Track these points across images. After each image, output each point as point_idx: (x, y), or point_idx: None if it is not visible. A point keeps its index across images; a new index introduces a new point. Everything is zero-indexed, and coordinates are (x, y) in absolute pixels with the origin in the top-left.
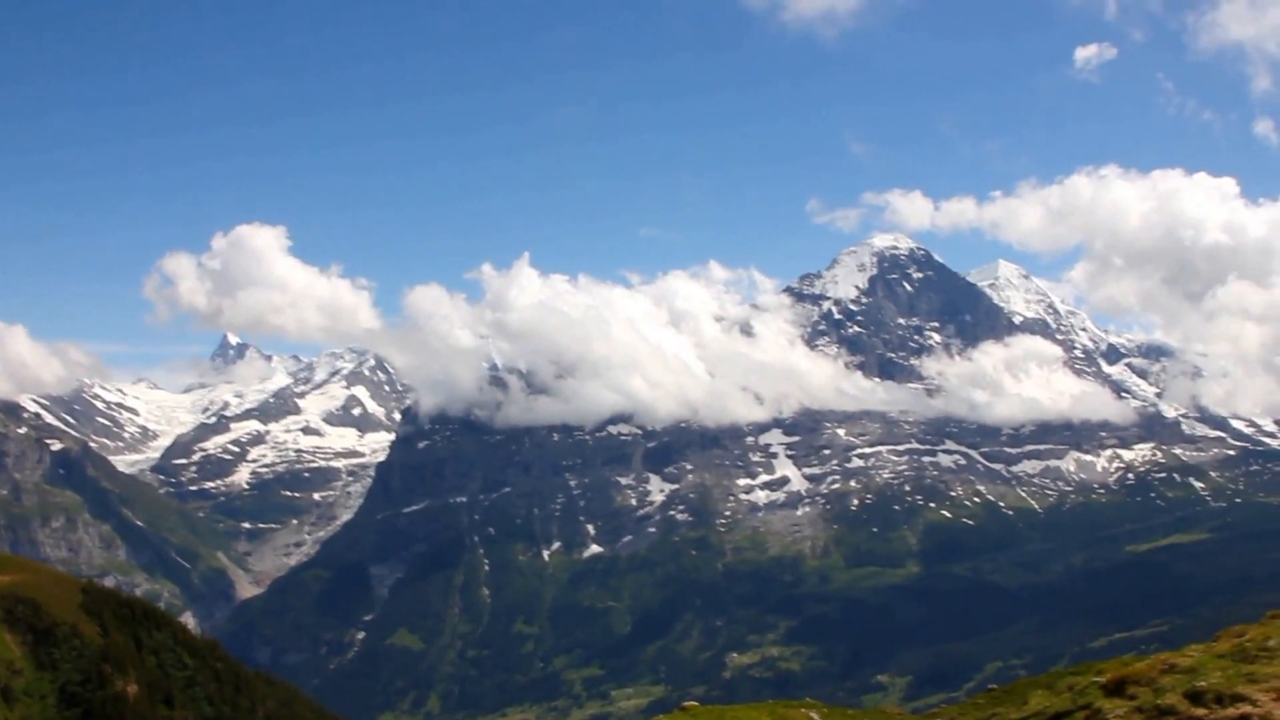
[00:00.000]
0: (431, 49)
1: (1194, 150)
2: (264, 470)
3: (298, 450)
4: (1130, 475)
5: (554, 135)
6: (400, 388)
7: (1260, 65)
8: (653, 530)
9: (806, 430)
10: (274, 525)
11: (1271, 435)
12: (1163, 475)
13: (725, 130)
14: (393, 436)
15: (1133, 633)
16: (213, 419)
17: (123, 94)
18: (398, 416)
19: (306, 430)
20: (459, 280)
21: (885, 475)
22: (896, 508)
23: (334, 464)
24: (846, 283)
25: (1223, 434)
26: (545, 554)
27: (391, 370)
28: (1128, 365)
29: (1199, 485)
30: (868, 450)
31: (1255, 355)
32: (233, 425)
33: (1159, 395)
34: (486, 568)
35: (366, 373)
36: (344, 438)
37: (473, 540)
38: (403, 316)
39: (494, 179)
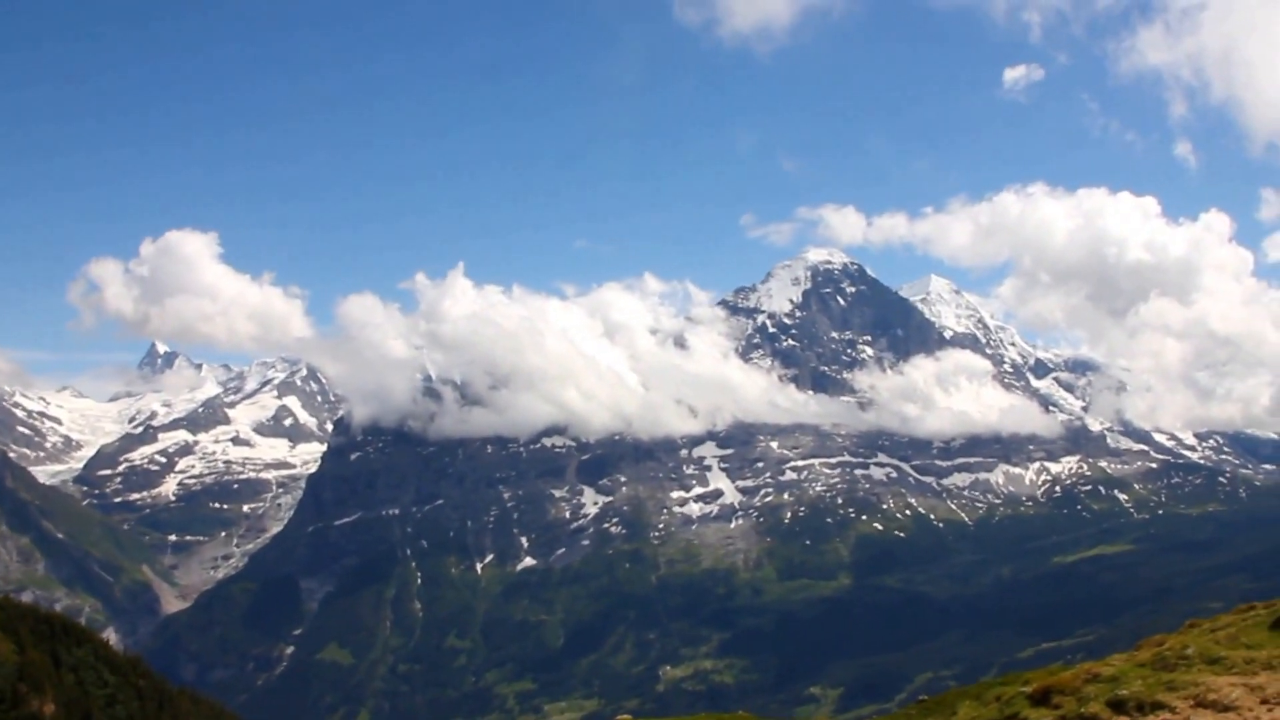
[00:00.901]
0: (365, 58)
1: (1118, 170)
2: (192, 481)
3: (227, 461)
4: (1057, 488)
5: (487, 146)
6: (333, 398)
7: (1176, 91)
8: (587, 543)
9: (740, 443)
10: (201, 538)
11: (1192, 449)
12: (1088, 488)
13: (660, 143)
14: (324, 447)
15: (1059, 642)
16: (139, 429)
17: (51, 99)
18: (330, 427)
19: (236, 441)
20: (393, 290)
21: (818, 488)
22: (829, 520)
23: (264, 475)
24: (781, 296)
25: (1146, 447)
26: (478, 567)
27: (324, 380)
28: (1055, 379)
29: (1123, 497)
30: (801, 463)
31: (1176, 370)
32: (160, 435)
33: (1085, 409)
34: (418, 581)
35: (298, 383)
36: (275, 448)
37: (405, 553)
38: (336, 326)
39: (428, 189)
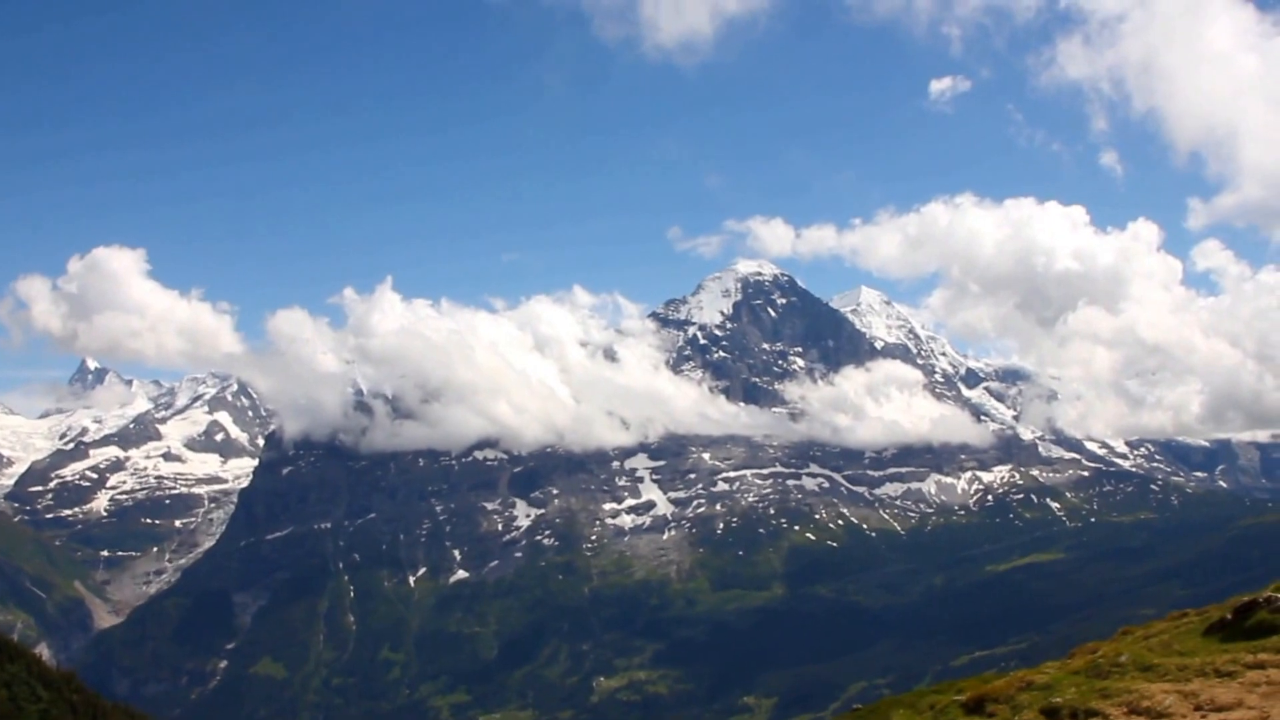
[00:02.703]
0: (291, 74)
1: (1045, 180)
2: (123, 497)
3: (159, 477)
4: (989, 496)
5: (413, 160)
6: (264, 413)
7: (1098, 104)
8: (519, 555)
9: (672, 455)
10: (134, 553)
11: (1123, 456)
12: (1020, 496)
13: (585, 157)
14: (256, 462)
15: (993, 650)
16: (70, 445)
17: None
18: (261, 442)
19: (168, 456)
20: (322, 305)
21: (750, 498)
22: (761, 531)
23: (196, 490)
24: (711, 308)
25: (1077, 455)
26: (411, 580)
27: (255, 395)
28: (986, 389)
29: (1055, 506)
30: (733, 474)
31: (1106, 379)
32: (91, 451)
33: (1016, 418)
34: (351, 594)
35: (229, 398)
36: (206, 463)
37: (337, 566)
38: (266, 341)
39: (355, 204)
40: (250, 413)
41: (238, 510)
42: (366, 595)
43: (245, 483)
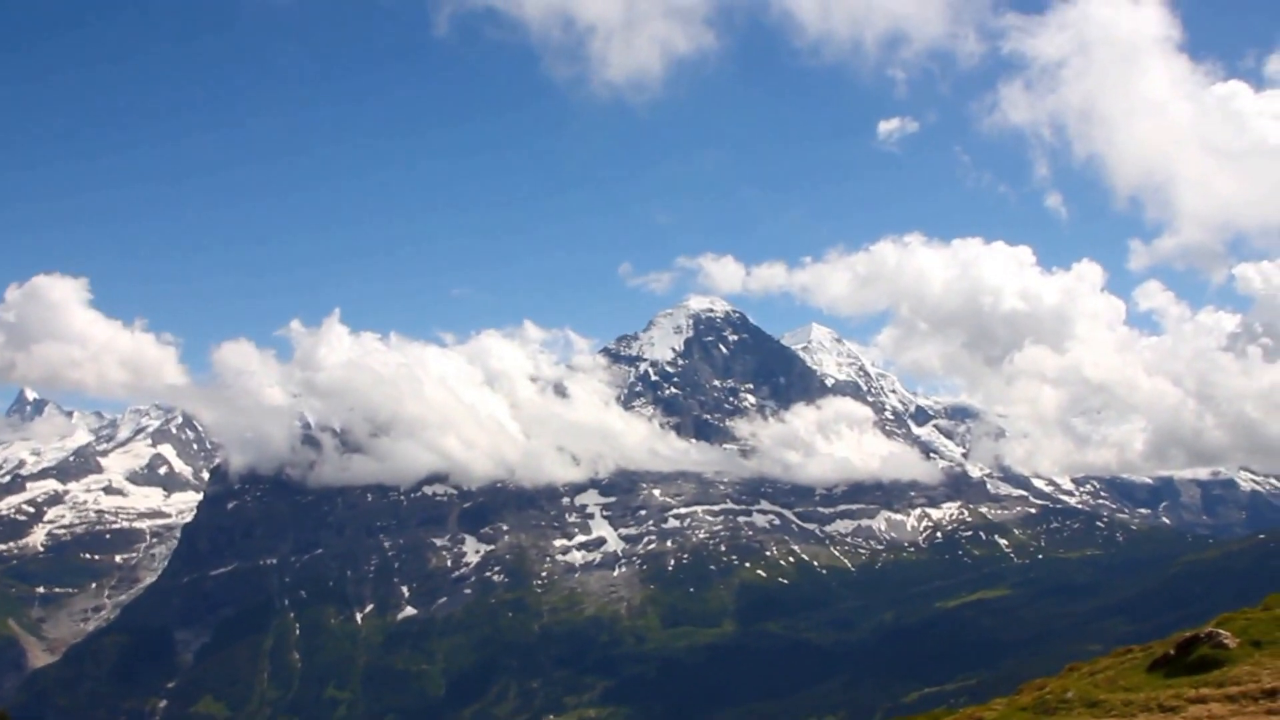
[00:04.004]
0: (238, 107)
1: (992, 220)
2: (61, 531)
3: (99, 510)
4: (938, 533)
5: (361, 194)
6: (209, 446)
7: (1039, 149)
8: (468, 591)
9: (622, 491)
10: (71, 589)
11: (1069, 493)
12: (969, 533)
13: (535, 193)
14: (200, 496)
15: (942, 687)
16: (7, 478)
17: None
18: (206, 476)
19: (109, 490)
20: (268, 337)
21: (701, 535)
22: (712, 567)
23: (137, 525)
24: (663, 345)
25: (1025, 493)
26: (358, 616)
27: (200, 428)
28: (935, 426)
29: (1003, 542)
30: (683, 510)
31: (1052, 417)
32: (29, 484)
33: (965, 455)
34: (297, 631)
35: (174, 430)
36: (149, 497)
37: (283, 603)
38: (211, 373)
39: (303, 236)
40: (195, 446)
41: (181, 545)
42: (312, 632)
43: (189, 517)
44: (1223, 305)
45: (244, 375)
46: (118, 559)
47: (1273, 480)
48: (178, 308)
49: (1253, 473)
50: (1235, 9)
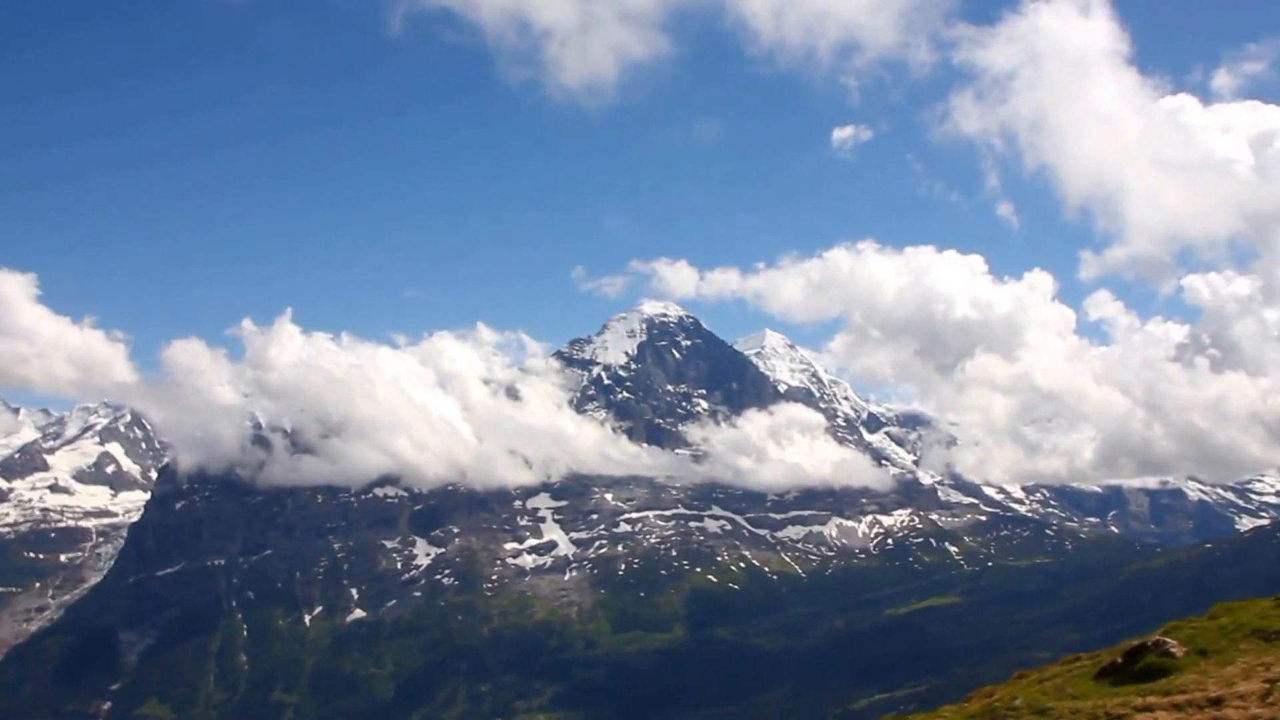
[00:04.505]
0: (190, 101)
1: (944, 229)
2: (5, 530)
3: (44, 509)
4: (889, 540)
5: (314, 194)
6: (158, 445)
7: (990, 159)
8: (418, 594)
9: (574, 495)
10: (14, 589)
11: (1019, 501)
12: (919, 540)
13: (490, 195)
14: (148, 496)
15: (892, 694)
16: None
17: None
18: (154, 475)
19: (55, 488)
20: (219, 336)
21: (652, 540)
22: (663, 572)
23: (84, 524)
24: (616, 348)
25: (975, 500)
26: (306, 619)
27: (149, 427)
28: (887, 433)
29: (953, 550)
30: (635, 515)
31: (1003, 425)
32: None
33: (916, 463)
34: (244, 633)
35: (122, 429)
36: (95, 496)
37: (230, 604)
38: (161, 372)
39: (255, 235)
40: (143, 445)
41: (127, 545)
42: (260, 634)
43: (136, 516)
44: (1171, 316)
45: (194, 374)
46: (63, 558)
47: (1219, 490)
48: (128, 305)
49: (1200, 482)
50: (1184, 24)
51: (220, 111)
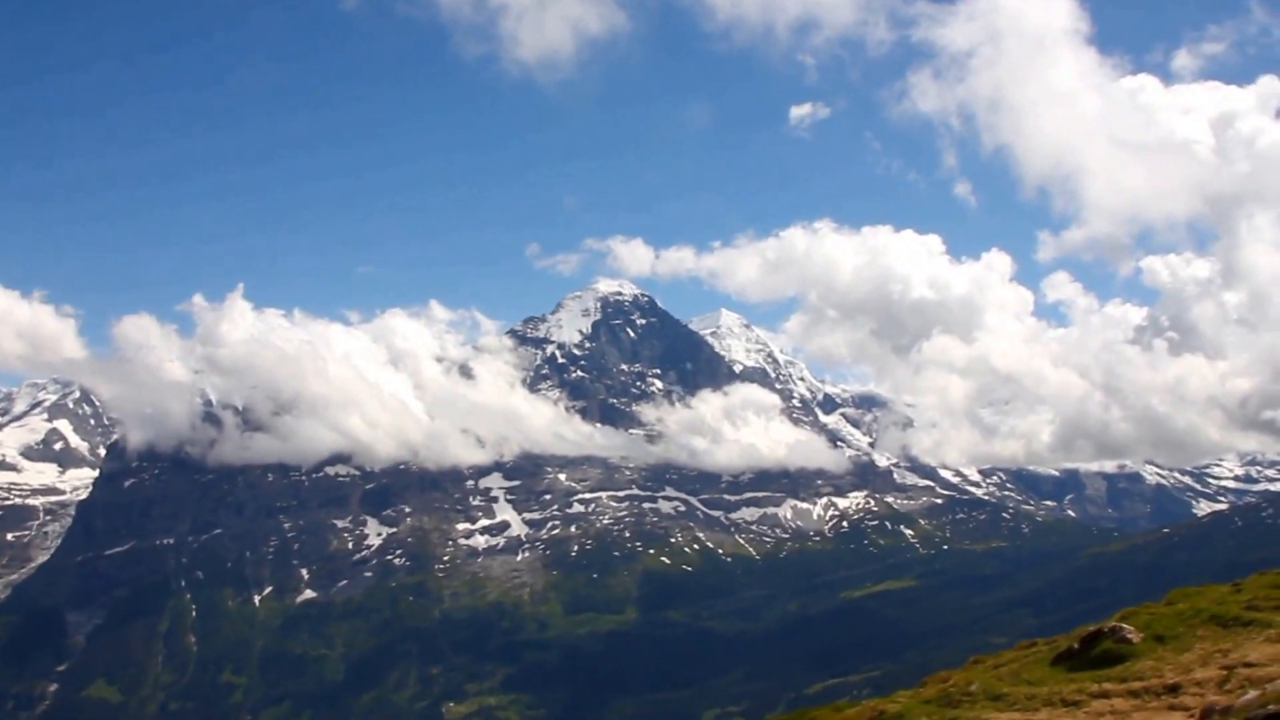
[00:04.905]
0: (143, 71)
1: (901, 208)
2: None
3: None
4: (844, 523)
5: (266, 169)
6: (107, 422)
7: (948, 138)
8: (369, 575)
9: (527, 474)
10: None
11: (976, 484)
12: (875, 523)
13: (443, 171)
14: (96, 473)
15: (846, 678)
16: None
17: None
18: (103, 452)
19: (2, 465)
20: (170, 311)
21: (605, 521)
22: (616, 554)
23: (30, 501)
24: (570, 327)
25: (931, 483)
26: (256, 599)
27: (98, 403)
28: (843, 415)
29: (909, 533)
30: (588, 496)
31: (960, 407)
32: None
33: (872, 445)
34: (193, 614)
35: (71, 405)
36: (43, 474)
37: (179, 584)
38: (111, 348)
39: (206, 210)
40: (92, 421)
41: (75, 523)
42: (209, 615)
43: (84, 494)
44: (1130, 298)
45: (145, 350)
46: (9, 536)
47: (1177, 474)
48: (78, 280)
49: (1158, 466)
50: (1144, 3)
51: (172, 86)
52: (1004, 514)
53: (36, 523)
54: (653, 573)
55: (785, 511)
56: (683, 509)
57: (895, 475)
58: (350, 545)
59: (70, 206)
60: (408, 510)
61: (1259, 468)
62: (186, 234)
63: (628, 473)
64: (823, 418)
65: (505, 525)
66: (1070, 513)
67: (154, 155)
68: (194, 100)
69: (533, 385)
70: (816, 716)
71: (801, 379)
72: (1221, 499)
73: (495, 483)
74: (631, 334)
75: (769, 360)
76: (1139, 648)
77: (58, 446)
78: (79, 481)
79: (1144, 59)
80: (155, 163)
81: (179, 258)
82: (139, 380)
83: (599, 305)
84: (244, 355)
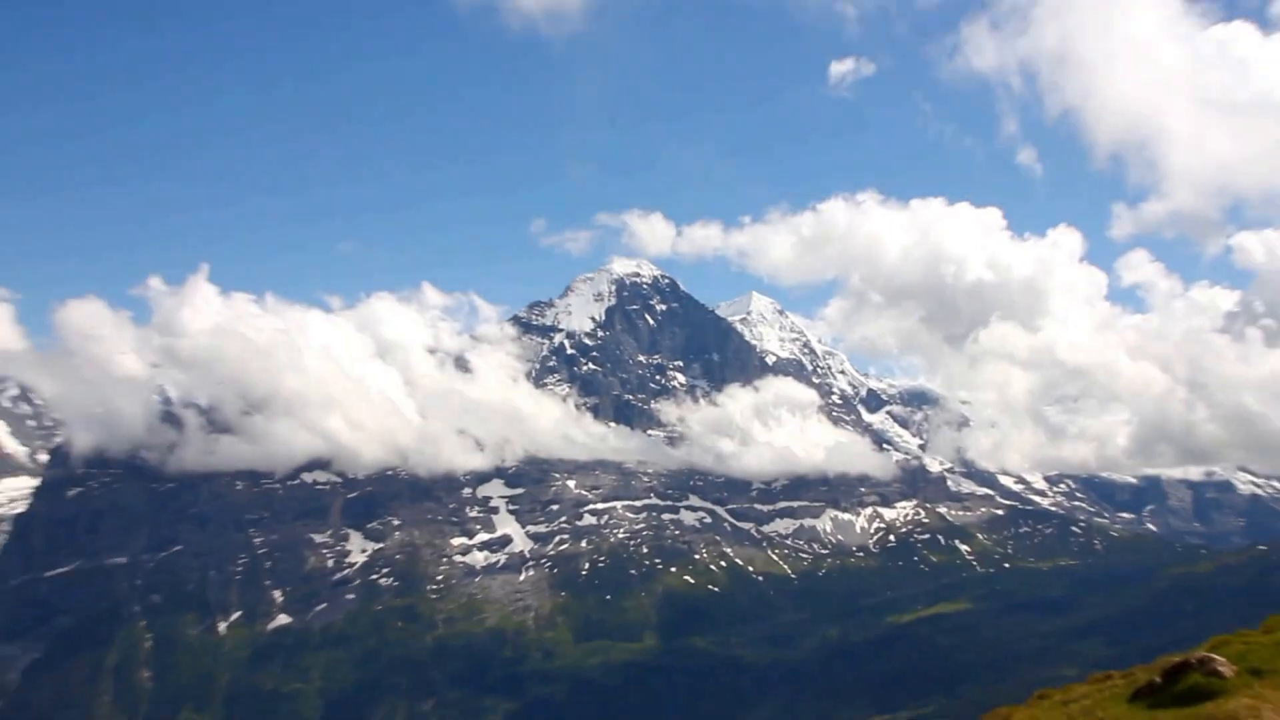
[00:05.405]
0: (91, 24)
1: (956, 179)
2: None
3: None
4: (891, 537)
5: (235, 134)
6: (49, 423)
7: (1007, 101)
8: (351, 597)
9: (532, 482)
10: None
11: (1042, 494)
12: (926, 537)
13: (438, 137)
14: (37, 482)
15: (894, 715)
16: None
17: None
18: (44, 458)
19: None
20: (123, 296)
21: (620, 534)
22: (633, 572)
23: None
24: (581, 313)
25: (990, 491)
26: (221, 626)
27: (39, 402)
28: (889, 413)
29: (964, 548)
30: (601, 506)
31: (1023, 405)
32: None
33: (922, 447)
34: (148, 644)
35: (7, 404)
36: None
37: (132, 610)
38: (53, 337)
39: (164, 179)
40: (32, 422)
41: (11, 541)
42: (166, 645)
43: (22, 507)
44: (1218, 280)
45: (93, 340)
46: None
47: (1275, 482)
48: (15, 259)
49: (1252, 474)
50: None
51: (126, 38)
52: (1073, 528)
53: None
54: (674, 594)
55: (824, 524)
56: (708, 521)
57: (949, 483)
58: (330, 563)
59: (7, 179)
60: (396, 523)
61: None
62: (141, 206)
63: (646, 479)
64: (866, 417)
65: (507, 540)
66: (1150, 526)
67: (102, 119)
68: (146, 51)
69: (538, 380)
70: None
71: (842, 372)
72: None
73: (495, 491)
74: (650, 321)
75: (806, 351)
76: (1232, 683)
77: None
78: (15, 492)
79: (1237, 3)
80: (101, 126)
81: (132, 234)
82: (86, 375)
83: (613, 289)
84: (208, 346)
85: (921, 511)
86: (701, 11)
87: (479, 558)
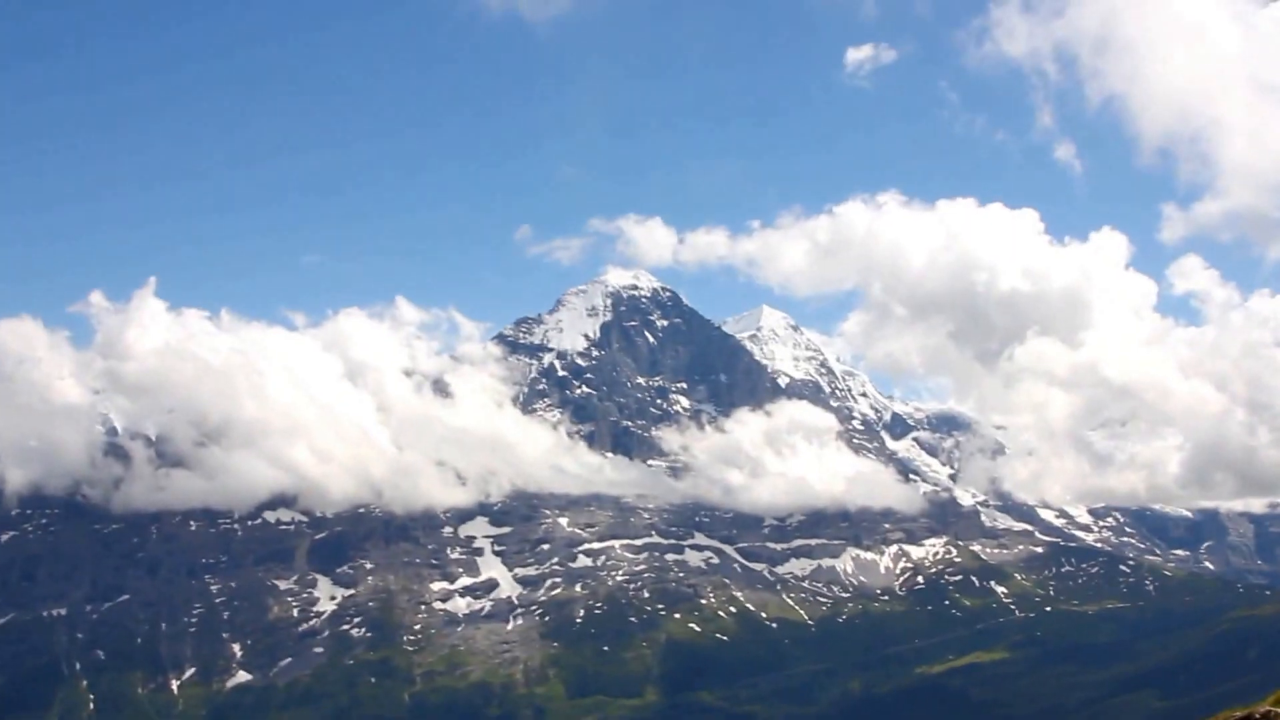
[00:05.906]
0: (40, 21)
1: (987, 177)
2: None
3: None
4: (919, 578)
5: (186, 129)
6: None
7: (1042, 90)
8: (320, 650)
9: (520, 519)
10: None
11: (1086, 528)
12: (958, 578)
13: (411, 134)
14: None
15: None
16: None
17: None
18: None
19: None
20: (60, 314)
21: (618, 578)
22: (632, 619)
23: None
24: (573, 331)
25: (1029, 526)
26: (174, 684)
27: None
28: (915, 440)
29: (1001, 590)
30: (597, 545)
31: (1063, 429)
32: None
33: (953, 478)
34: (91, 705)
35: None
36: None
37: (73, 667)
38: None
39: (107, 183)
40: None
41: None
42: (112, 706)
43: None
44: None
45: (26, 364)
46: None
47: None
48: None
49: None
50: None
51: (77, 37)
52: (1122, 566)
53: None
54: (678, 643)
55: (845, 564)
56: (716, 561)
57: (983, 517)
58: (295, 612)
59: None
60: (369, 566)
61: None
62: (80, 214)
63: (646, 516)
64: (891, 444)
65: (492, 584)
66: (1208, 564)
67: (36, 118)
68: (82, 29)
69: (526, 405)
70: None
71: (863, 394)
72: None
73: (479, 530)
74: (650, 339)
75: (823, 371)
76: None
77: None
78: None
79: None
80: (36, 127)
81: (70, 245)
82: (20, 403)
83: (609, 303)
84: (157, 370)
85: (953, 549)
86: None
87: (461, 605)
